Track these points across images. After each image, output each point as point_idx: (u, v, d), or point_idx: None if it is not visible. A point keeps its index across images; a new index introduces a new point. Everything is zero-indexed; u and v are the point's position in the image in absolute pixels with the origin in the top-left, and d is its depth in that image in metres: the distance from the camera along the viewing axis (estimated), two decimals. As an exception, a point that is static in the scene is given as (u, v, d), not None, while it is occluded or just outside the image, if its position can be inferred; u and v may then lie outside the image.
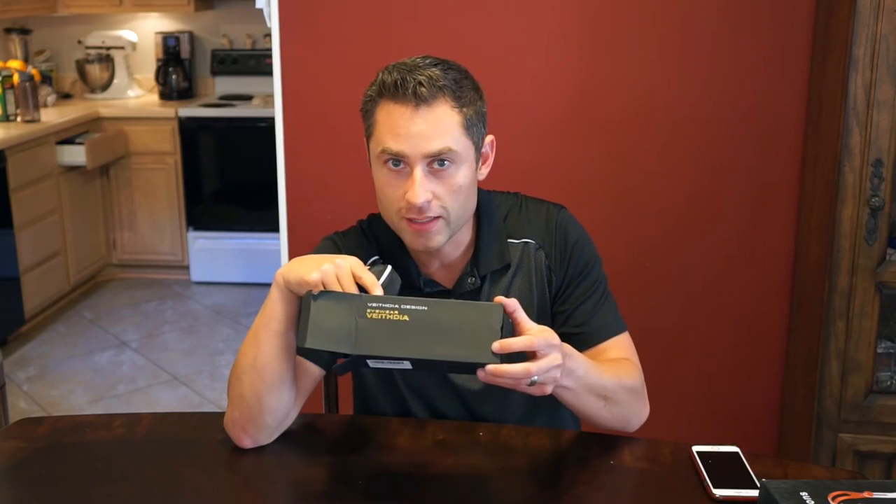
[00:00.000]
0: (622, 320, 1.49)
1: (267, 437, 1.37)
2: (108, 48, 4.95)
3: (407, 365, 1.19)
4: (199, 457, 1.38)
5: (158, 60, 4.96)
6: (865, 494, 1.05)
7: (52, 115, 4.43)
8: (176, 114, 4.66)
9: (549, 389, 1.22)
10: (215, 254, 4.80)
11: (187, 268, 4.85)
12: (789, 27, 2.17)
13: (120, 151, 4.66)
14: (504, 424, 1.45)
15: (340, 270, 1.23)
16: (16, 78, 4.28)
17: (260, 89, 4.86)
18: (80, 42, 5.02)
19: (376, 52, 2.14)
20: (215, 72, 5.02)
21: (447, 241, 1.38)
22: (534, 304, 1.45)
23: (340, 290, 1.21)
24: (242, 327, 4.23)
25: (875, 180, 1.93)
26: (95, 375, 3.77)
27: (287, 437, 1.39)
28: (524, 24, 2.23)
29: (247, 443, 1.37)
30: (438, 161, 1.32)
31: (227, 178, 4.83)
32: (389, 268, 1.29)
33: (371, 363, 1.20)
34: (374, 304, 1.18)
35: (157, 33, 4.99)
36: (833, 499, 1.04)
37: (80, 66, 4.95)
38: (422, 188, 1.31)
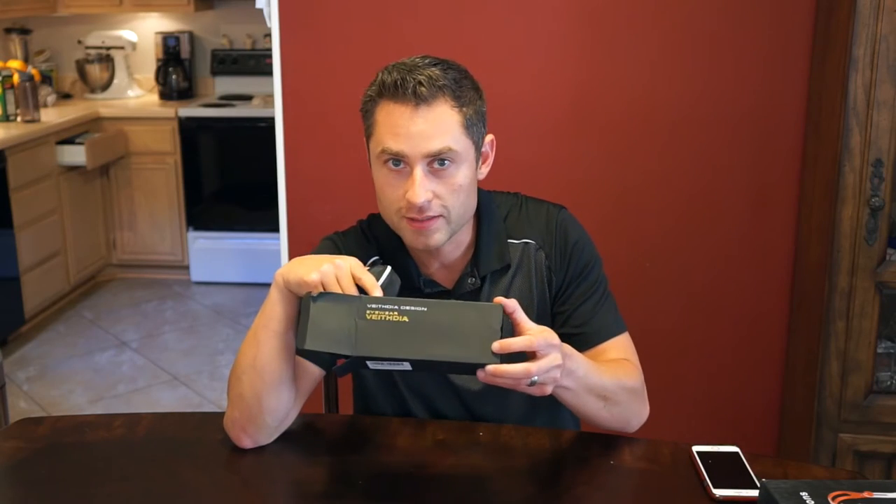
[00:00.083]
0: (622, 321, 1.49)
1: (267, 437, 1.37)
2: (108, 48, 4.95)
3: (407, 366, 1.19)
4: (199, 457, 1.38)
5: (158, 60, 4.96)
6: (865, 494, 1.05)
7: (52, 115, 4.43)
8: (176, 114, 4.66)
9: (548, 390, 1.22)
10: (215, 254, 4.80)
11: (187, 268, 4.85)
12: (789, 27, 2.17)
13: (120, 151, 4.66)
14: (504, 424, 1.45)
15: (340, 271, 1.23)
16: (16, 78, 4.28)
17: (260, 89, 4.86)
18: (80, 42, 5.02)
19: (376, 52, 2.14)
20: (215, 72, 5.02)
21: (447, 239, 1.38)
22: (534, 305, 1.45)
23: (340, 290, 1.21)
24: (242, 327, 4.23)
25: (875, 180, 1.93)
26: (95, 375, 3.77)
27: (287, 437, 1.39)
28: (524, 24, 2.23)
29: (246, 443, 1.37)
30: (438, 161, 1.32)
31: (227, 178, 4.83)
32: (389, 268, 1.29)
33: (371, 364, 1.20)
34: (374, 306, 1.18)
35: (157, 33, 4.99)
36: (833, 499, 1.04)
37: (80, 66, 4.95)
38: (422, 188, 1.31)
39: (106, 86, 4.97)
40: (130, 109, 4.77)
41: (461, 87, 1.34)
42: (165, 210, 4.78)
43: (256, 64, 4.94)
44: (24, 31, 4.85)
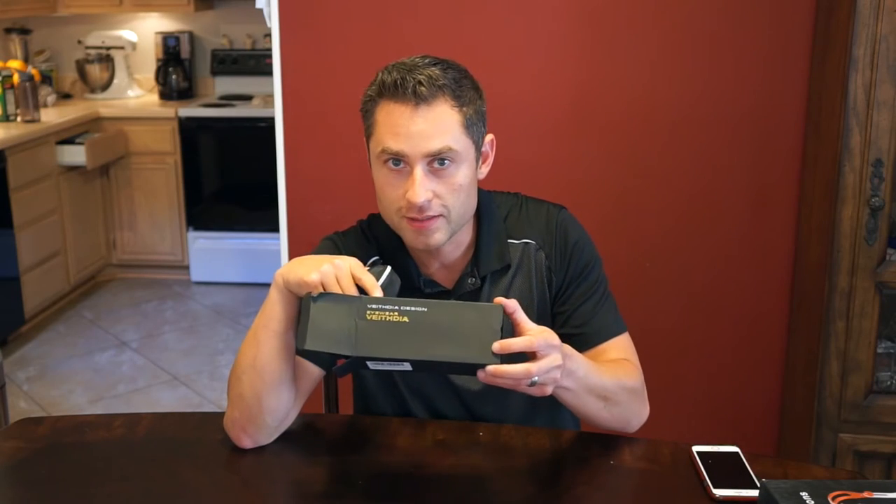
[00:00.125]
0: (622, 321, 1.49)
1: (267, 437, 1.37)
2: (108, 48, 4.95)
3: (407, 366, 1.19)
4: (199, 457, 1.38)
5: (158, 60, 4.96)
6: (865, 494, 1.05)
7: (52, 115, 4.43)
8: (176, 114, 4.66)
9: (549, 390, 1.22)
10: (215, 254, 4.80)
11: (187, 268, 4.85)
12: (789, 27, 2.17)
13: (120, 151, 4.66)
14: (504, 424, 1.45)
15: (340, 271, 1.23)
16: (16, 78, 4.28)
17: (260, 89, 4.86)
18: (80, 42, 5.02)
19: (376, 52, 2.14)
20: (215, 72, 5.02)
21: (448, 239, 1.38)
22: (534, 305, 1.45)
23: (340, 290, 1.21)
24: (242, 327, 4.23)
25: (875, 180, 1.93)
26: (95, 375, 3.77)
27: (287, 437, 1.39)
28: (524, 24, 2.23)
29: (246, 443, 1.36)
30: (438, 160, 1.32)
31: (227, 178, 4.83)
32: (389, 268, 1.29)
33: (371, 365, 1.20)
34: (374, 306, 1.18)
35: (157, 33, 4.99)
36: (833, 499, 1.04)
37: (80, 66, 4.95)
38: (422, 187, 1.31)
39: (106, 86, 4.97)
40: (130, 109, 4.77)
41: (461, 86, 1.34)
42: (165, 210, 4.78)
43: (256, 64, 4.94)
44: (24, 31, 4.85)
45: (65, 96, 5.03)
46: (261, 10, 2.27)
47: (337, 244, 1.48)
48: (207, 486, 1.32)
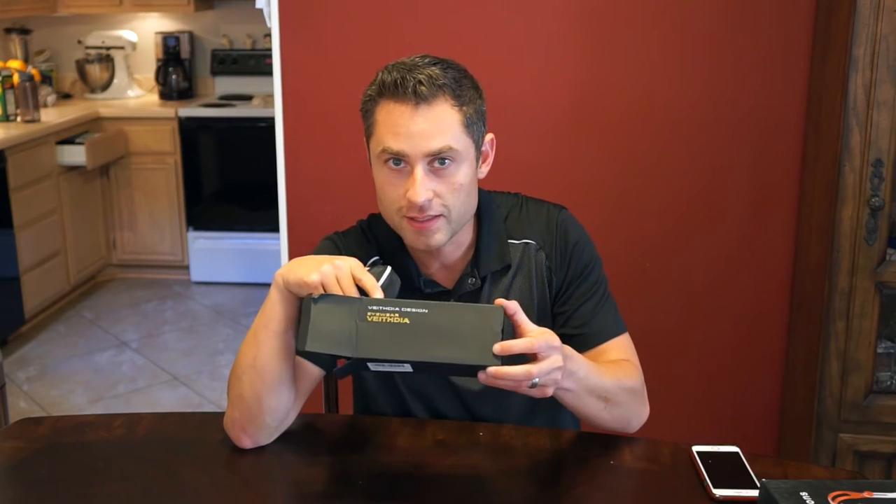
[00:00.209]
0: (622, 321, 1.49)
1: (267, 437, 1.37)
2: (108, 48, 4.95)
3: (408, 368, 1.19)
4: (199, 457, 1.38)
5: (158, 60, 4.96)
6: (865, 494, 1.05)
7: (52, 115, 4.43)
8: (176, 114, 4.66)
9: (549, 391, 1.22)
10: (215, 254, 4.80)
11: (187, 268, 4.85)
12: (789, 27, 2.17)
13: (120, 151, 4.66)
14: (504, 424, 1.45)
15: (340, 272, 1.23)
16: (16, 78, 4.28)
17: (260, 89, 4.86)
18: (80, 42, 5.02)
19: (376, 52, 2.14)
20: (215, 72, 5.02)
21: (448, 239, 1.38)
22: (534, 305, 1.45)
23: (340, 291, 1.21)
24: (242, 327, 4.23)
25: (875, 180, 1.93)
26: (95, 375, 3.77)
27: (287, 437, 1.39)
28: (524, 24, 2.23)
29: (246, 443, 1.36)
30: (439, 160, 1.32)
31: (227, 178, 4.83)
32: (389, 269, 1.29)
33: (372, 366, 1.20)
34: (375, 307, 1.18)
35: (157, 33, 4.99)
36: (833, 499, 1.04)
37: (80, 66, 4.95)
38: (423, 187, 1.31)
39: (106, 86, 4.97)
40: (130, 109, 4.77)
41: (461, 86, 1.34)
42: (165, 210, 4.78)
43: (256, 64, 4.94)
44: (24, 31, 4.85)
45: (65, 96, 5.03)
46: (261, 10, 2.27)
47: (337, 244, 1.48)
48: (207, 486, 1.32)
